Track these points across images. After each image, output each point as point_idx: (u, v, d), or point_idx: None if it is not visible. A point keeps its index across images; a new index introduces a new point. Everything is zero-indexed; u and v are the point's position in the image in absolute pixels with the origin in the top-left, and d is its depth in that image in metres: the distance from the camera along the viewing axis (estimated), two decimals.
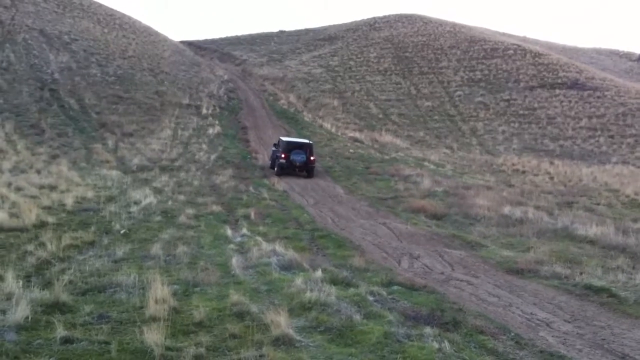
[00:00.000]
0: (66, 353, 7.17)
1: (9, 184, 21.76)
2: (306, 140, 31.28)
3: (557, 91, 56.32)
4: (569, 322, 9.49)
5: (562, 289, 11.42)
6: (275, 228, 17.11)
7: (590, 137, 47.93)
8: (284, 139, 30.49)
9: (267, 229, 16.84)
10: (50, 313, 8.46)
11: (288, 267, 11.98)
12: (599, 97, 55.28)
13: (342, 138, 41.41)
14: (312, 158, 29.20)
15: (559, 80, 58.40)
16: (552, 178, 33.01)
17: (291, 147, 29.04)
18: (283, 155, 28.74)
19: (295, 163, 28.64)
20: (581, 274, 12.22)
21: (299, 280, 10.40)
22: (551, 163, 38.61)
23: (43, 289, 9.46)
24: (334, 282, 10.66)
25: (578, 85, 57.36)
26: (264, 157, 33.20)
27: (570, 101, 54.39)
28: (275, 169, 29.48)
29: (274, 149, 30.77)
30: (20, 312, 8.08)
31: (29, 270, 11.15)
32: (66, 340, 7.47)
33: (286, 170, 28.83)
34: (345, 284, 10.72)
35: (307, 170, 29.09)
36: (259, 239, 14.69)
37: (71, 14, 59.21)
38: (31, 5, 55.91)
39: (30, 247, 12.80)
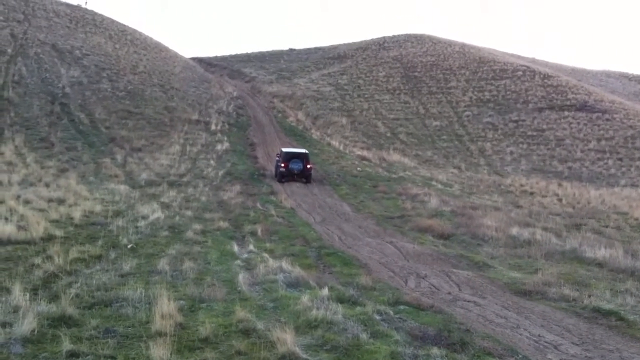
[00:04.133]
0: None
1: (18, 197, 21.84)
2: (303, 150, 34.10)
3: (566, 113, 56.30)
4: (577, 345, 9.40)
5: (570, 311, 11.33)
6: (282, 245, 17.08)
7: (599, 160, 47.81)
8: (284, 149, 33.47)
9: (274, 245, 16.81)
10: (57, 326, 8.46)
11: (295, 284, 11.93)
12: (607, 119, 55.22)
13: (349, 156, 41.44)
14: (308, 166, 32.04)
15: (568, 102, 58.41)
16: (560, 200, 32.88)
17: (290, 156, 32.12)
18: (283, 165, 31.74)
19: (294, 171, 31.61)
20: (589, 296, 12.12)
21: (305, 298, 10.37)
22: (559, 185, 38.48)
23: (50, 302, 9.47)
24: (340, 300, 10.61)
25: (587, 107, 57.33)
26: (272, 174, 33.30)
27: (579, 123, 54.33)
28: (277, 176, 32.30)
29: (277, 159, 33.43)
30: (27, 325, 8.09)
31: (36, 283, 11.15)
32: (72, 354, 7.48)
33: (286, 177, 31.71)
34: (352, 303, 10.67)
35: (304, 176, 31.85)
36: (266, 255, 14.65)
37: (83, 29, 59.77)
38: (44, 20, 56.52)
39: (37, 260, 12.82)
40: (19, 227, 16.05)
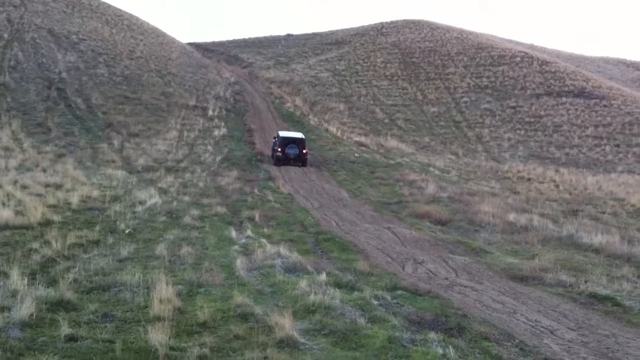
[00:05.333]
0: (70, 351, 7.21)
1: (15, 182, 21.82)
2: (300, 135, 34.55)
3: (564, 99, 56.26)
4: (574, 330, 9.45)
5: (566, 297, 11.39)
6: (280, 230, 17.12)
7: (596, 146, 47.88)
8: (281, 134, 34.07)
9: (272, 231, 16.85)
10: (55, 311, 8.50)
11: (292, 269, 11.98)
12: (605, 106, 55.21)
13: (347, 142, 41.41)
14: (304, 151, 32.65)
15: (566, 89, 58.33)
16: (557, 186, 32.93)
17: (286, 141, 32.77)
18: (280, 149, 32.36)
19: (290, 155, 32.18)
20: (586, 282, 12.19)
21: (303, 283, 10.42)
22: (557, 171, 38.51)
23: (48, 287, 9.50)
24: (338, 285, 10.66)
25: (585, 93, 57.29)
26: (269, 160, 33.31)
27: (576, 109, 54.32)
28: (273, 160, 32.98)
29: (273, 141, 34.44)
30: (25, 309, 8.12)
31: (34, 267, 11.17)
32: (70, 338, 7.51)
33: (282, 161, 32.13)
34: (350, 288, 10.72)
35: (300, 161, 32.40)
36: (264, 241, 14.70)
37: (80, 13, 59.40)
38: (40, 4, 56.13)
39: (35, 245, 12.84)
40: (17, 212, 16.06)
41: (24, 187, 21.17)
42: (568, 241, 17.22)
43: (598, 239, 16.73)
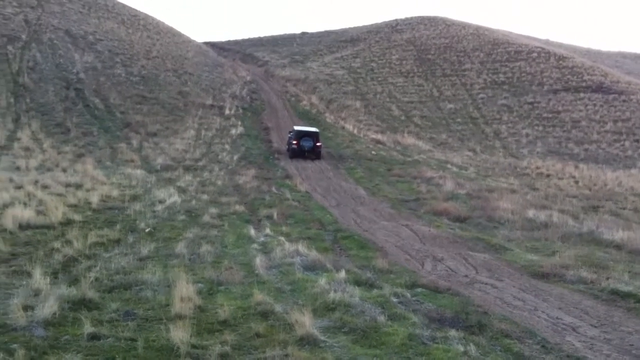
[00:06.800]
0: (93, 349, 7.25)
1: (36, 182, 22.05)
2: (314, 129, 35.94)
3: (582, 94, 55.73)
4: (596, 327, 9.37)
5: (588, 293, 11.29)
6: (298, 228, 17.13)
7: (616, 141, 47.38)
8: (296, 128, 35.59)
9: (290, 229, 16.86)
10: (77, 310, 8.56)
11: (311, 267, 11.98)
12: (624, 100, 54.61)
13: (364, 140, 41.34)
14: (318, 144, 33.94)
15: (584, 84, 57.78)
16: (576, 182, 32.68)
17: (301, 134, 34.12)
18: (295, 142, 33.67)
19: (305, 148, 33.48)
20: (607, 279, 12.06)
21: (322, 281, 10.41)
22: (576, 167, 38.22)
23: (70, 286, 9.57)
24: (357, 283, 10.65)
25: (603, 88, 56.72)
26: (286, 158, 33.38)
27: (595, 105, 53.80)
28: (289, 153, 34.26)
29: (289, 135, 35.74)
30: (48, 308, 8.19)
31: (56, 267, 11.27)
32: (93, 337, 7.56)
33: (297, 154, 33.45)
34: (369, 286, 10.70)
35: (314, 153, 33.63)
36: (282, 239, 14.71)
37: (96, 14, 59.81)
38: (57, 5, 56.59)
39: (57, 245, 12.96)
40: (38, 212, 16.23)
41: (44, 187, 21.38)
42: (589, 237, 17.06)
43: (619, 235, 16.57)
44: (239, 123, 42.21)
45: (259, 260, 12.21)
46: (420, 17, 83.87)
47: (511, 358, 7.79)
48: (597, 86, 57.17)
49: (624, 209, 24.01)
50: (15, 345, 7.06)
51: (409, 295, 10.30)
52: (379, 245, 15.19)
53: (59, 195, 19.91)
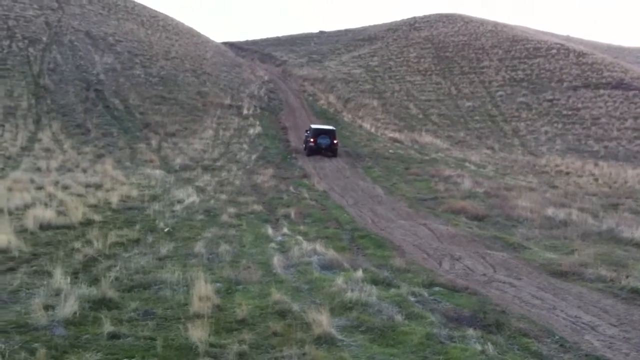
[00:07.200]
0: (113, 348, 7.34)
1: (57, 183, 22.29)
2: (330, 127, 36.33)
3: (602, 91, 55.18)
4: (615, 326, 9.31)
5: (607, 292, 11.21)
6: (316, 228, 17.15)
7: (636, 138, 46.84)
8: (313, 126, 35.94)
9: (308, 228, 16.89)
10: (97, 309, 8.65)
11: (329, 266, 12.01)
12: None
13: (381, 138, 41.29)
14: (335, 142, 34.23)
15: (604, 80, 57.21)
16: (596, 179, 32.37)
17: (318, 132, 34.44)
18: (312, 140, 33.97)
19: (322, 146, 33.83)
20: (627, 277, 11.95)
21: (339, 280, 10.44)
22: (595, 164, 37.85)
23: (90, 286, 9.68)
24: (374, 282, 10.66)
25: (623, 85, 56.11)
26: (304, 158, 33.44)
27: (615, 101, 53.24)
28: (306, 150, 34.62)
29: (306, 134, 36.08)
30: (69, 307, 8.29)
31: (76, 267, 11.39)
32: (113, 336, 7.65)
33: (314, 152, 33.86)
34: (386, 285, 10.71)
35: (331, 151, 34.01)
36: (300, 238, 14.75)
37: (116, 15, 60.32)
38: (77, 7, 57.16)
39: (77, 245, 13.08)
40: (59, 212, 16.39)
41: (65, 187, 21.61)
42: (608, 236, 16.90)
43: (639, 233, 16.41)
44: (257, 123, 42.36)
45: (276, 260, 12.26)
46: (438, 14, 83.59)
47: (529, 357, 7.77)
48: (617, 82, 56.57)
49: None
50: (36, 345, 7.16)
51: (426, 294, 10.29)
52: (396, 244, 15.18)
53: (79, 195, 20.11)
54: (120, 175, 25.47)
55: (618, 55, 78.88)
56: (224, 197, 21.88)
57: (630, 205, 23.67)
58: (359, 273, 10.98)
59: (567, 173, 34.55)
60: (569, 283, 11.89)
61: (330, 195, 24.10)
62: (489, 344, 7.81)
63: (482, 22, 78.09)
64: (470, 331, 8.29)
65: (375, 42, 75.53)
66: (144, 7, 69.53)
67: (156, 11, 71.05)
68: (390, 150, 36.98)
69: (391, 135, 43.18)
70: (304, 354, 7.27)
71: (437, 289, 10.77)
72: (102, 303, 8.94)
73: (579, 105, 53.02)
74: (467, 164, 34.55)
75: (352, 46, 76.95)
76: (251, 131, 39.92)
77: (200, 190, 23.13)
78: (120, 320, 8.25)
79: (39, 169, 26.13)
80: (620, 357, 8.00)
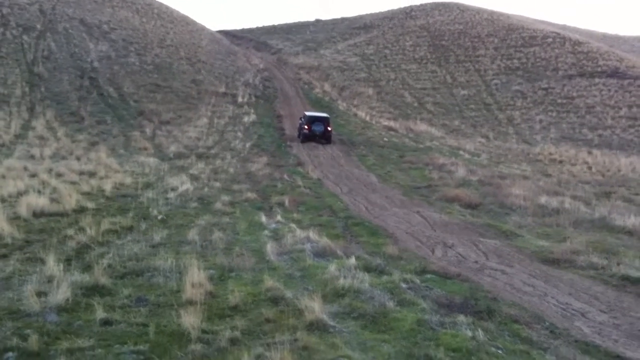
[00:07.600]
0: (105, 334, 7.37)
1: (50, 170, 22.26)
2: (324, 114, 36.50)
3: (597, 80, 55.22)
4: (605, 312, 9.39)
5: (598, 279, 11.29)
6: (310, 215, 17.20)
7: (630, 127, 46.95)
8: (307, 113, 36.13)
9: (301, 216, 16.93)
10: (90, 295, 8.68)
11: (322, 254, 12.03)
12: (639, 85, 54.06)
13: (376, 127, 41.28)
14: (329, 129, 34.57)
15: (599, 69, 57.24)
16: (590, 168, 32.49)
17: (312, 120, 34.78)
18: (306, 127, 34.37)
19: (316, 133, 34.18)
20: (618, 264, 12.04)
21: (332, 267, 10.47)
22: (589, 153, 37.97)
23: (83, 272, 9.71)
24: (367, 269, 10.69)
25: (618, 74, 56.15)
26: (298, 146, 33.42)
27: (609, 90, 53.29)
28: (300, 137, 34.87)
29: (300, 121, 36.21)
30: (61, 294, 8.32)
31: (69, 254, 11.41)
32: (105, 322, 7.68)
33: (309, 138, 34.20)
34: (379, 272, 10.74)
35: (325, 138, 34.33)
36: (293, 226, 14.78)
37: (110, 3, 59.94)
38: None
39: (70, 232, 13.10)
40: (52, 200, 16.41)
41: (58, 175, 21.59)
42: (600, 223, 17.00)
43: (631, 221, 16.50)
44: (252, 111, 42.28)
45: (270, 247, 12.28)
46: (434, 2, 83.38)
47: (519, 343, 7.82)
48: (613, 71, 56.61)
49: (637, 194, 23.83)
50: (29, 331, 7.18)
51: (418, 281, 10.33)
52: (389, 232, 15.23)
53: (73, 183, 20.10)
54: (114, 163, 25.44)
55: (614, 44, 78.84)
56: (217, 185, 21.89)
57: (623, 193, 23.78)
58: (352, 260, 11.01)
59: (561, 161, 34.66)
60: (561, 270, 11.97)
61: (324, 183, 24.12)
62: (479, 330, 7.85)
63: (478, 11, 77.91)
64: (462, 317, 8.32)
65: (371, 31, 75.33)
66: None
67: None
68: (385, 139, 36.99)
69: (386, 123, 43.18)
70: (295, 340, 7.29)
71: (429, 276, 10.82)
72: (94, 290, 8.97)
73: (574, 94, 53.07)
74: (461, 152, 34.60)
75: (348, 34, 76.73)
76: (246, 119, 39.85)
77: (194, 178, 23.13)
78: (113, 307, 8.27)
79: (32, 157, 26.07)
80: (610, 343, 8.07)
